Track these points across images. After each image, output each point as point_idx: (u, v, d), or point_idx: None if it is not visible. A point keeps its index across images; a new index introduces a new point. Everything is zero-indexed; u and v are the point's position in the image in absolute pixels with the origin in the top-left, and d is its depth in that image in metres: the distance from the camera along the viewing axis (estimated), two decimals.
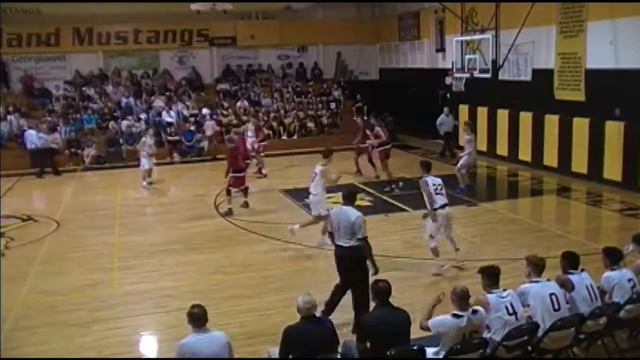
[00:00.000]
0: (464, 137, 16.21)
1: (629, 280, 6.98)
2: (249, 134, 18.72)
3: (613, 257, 7.15)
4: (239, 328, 7.96)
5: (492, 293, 6.29)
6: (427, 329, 6.07)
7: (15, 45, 25.26)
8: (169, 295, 9.43)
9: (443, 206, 9.84)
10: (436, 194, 9.83)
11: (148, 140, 17.85)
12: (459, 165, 15.50)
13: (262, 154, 19.25)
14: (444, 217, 9.87)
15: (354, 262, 7.87)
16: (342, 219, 7.82)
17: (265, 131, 19.97)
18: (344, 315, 8.04)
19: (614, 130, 15.42)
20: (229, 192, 14.61)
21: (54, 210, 15.39)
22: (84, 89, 25.57)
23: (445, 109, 20.84)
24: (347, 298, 8.90)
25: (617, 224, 13.19)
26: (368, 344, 5.95)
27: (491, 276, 6.45)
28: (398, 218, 13.64)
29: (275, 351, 5.99)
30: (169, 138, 23.21)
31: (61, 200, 16.67)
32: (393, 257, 10.89)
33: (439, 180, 10.07)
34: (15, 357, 7.67)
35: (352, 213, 7.86)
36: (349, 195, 8.20)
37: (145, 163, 17.65)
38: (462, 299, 5.95)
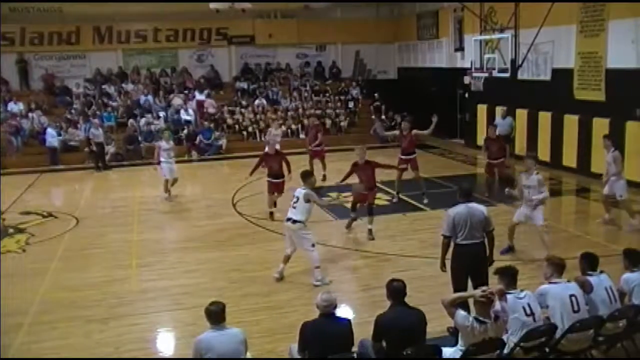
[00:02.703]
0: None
1: None
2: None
3: (633, 259, 7.09)
4: (255, 326, 7.98)
5: (509, 293, 6.27)
6: (450, 313, 6.00)
7: (37, 44, 25.57)
8: (186, 292, 9.48)
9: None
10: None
11: (163, 144, 15.85)
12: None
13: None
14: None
15: (484, 259, 7.74)
16: (473, 216, 7.60)
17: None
18: (360, 314, 8.03)
19: (634, 131, 15.26)
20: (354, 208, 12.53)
21: (74, 207, 15.54)
22: (103, 87, 25.81)
23: (502, 110, 18.99)
24: (367, 295, 8.93)
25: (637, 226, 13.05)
26: (384, 343, 5.96)
27: (509, 277, 6.43)
28: (415, 217, 13.61)
29: (295, 348, 6.03)
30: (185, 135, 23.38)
31: (81, 198, 16.82)
32: (410, 256, 10.88)
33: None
34: (15, 357, 7.72)
35: (481, 208, 7.79)
36: (469, 191, 8.04)
37: (166, 171, 15.80)
38: (485, 304, 5.88)
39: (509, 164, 16.18)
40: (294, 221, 9.57)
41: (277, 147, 14.49)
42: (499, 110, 19.09)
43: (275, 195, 13.79)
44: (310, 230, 9.87)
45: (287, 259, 9.89)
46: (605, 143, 12.75)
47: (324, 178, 16.95)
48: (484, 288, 6.08)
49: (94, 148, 21.09)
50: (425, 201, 14.58)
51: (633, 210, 12.57)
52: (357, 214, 12.47)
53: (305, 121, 24.71)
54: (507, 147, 15.80)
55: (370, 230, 12.04)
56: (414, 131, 14.90)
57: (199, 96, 25.52)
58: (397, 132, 15.19)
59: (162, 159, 15.70)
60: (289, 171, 13.75)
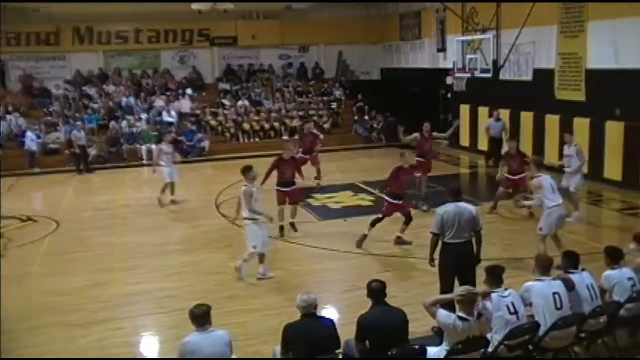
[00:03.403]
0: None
1: (629, 279, 7.01)
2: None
3: (613, 256, 7.18)
4: (239, 328, 7.94)
5: (494, 292, 6.33)
6: (431, 314, 6.06)
7: (14, 44, 25.14)
8: (170, 295, 9.42)
9: None
10: None
11: (164, 147, 15.33)
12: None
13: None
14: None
15: (471, 257, 7.78)
16: (462, 214, 7.64)
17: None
18: (346, 314, 8.02)
19: (614, 130, 15.42)
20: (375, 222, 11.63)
21: (54, 210, 15.39)
22: (84, 88, 25.56)
23: (495, 113, 18.57)
24: (351, 296, 8.93)
25: (617, 224, 13.23)
26: (367, 343, 5.97)
27: (494, 275, 6.51)
28: (399, 218, 13.60)
29: (279, 350, 6.02)
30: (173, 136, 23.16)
31: (61, 201, 16.67)
32: (394, 256, 10.91)
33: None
34: (15, 357, 7.67)
35: (470, 207, 7.86)
36: (458, 191, 8.09)
37: (166, 174, 15.18)
38: (467, 303, 5.91)
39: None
40: (243, 218, 9.81)
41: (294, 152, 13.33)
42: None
43: (286, 206, 12.58)
44: (257, 228, 9.84)
45: (261, 258, 9.98)
46: (567, 138, 13.32)
47: (318, 185, 16.86)
48: (461, 288, 6.14)
49: (77, 150, 20.91)
50: (425, 208, 13.86)
51: (578, 202, 12.93)
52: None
53: (288, 122, 24.81)
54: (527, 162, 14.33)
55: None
56: (434, 133, 14.94)
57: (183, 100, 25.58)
58: (417, 135, 14.80)
59: (162, 163, 15.18)
60: (302, 177, 13.08)
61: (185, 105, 25.22)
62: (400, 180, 11.35)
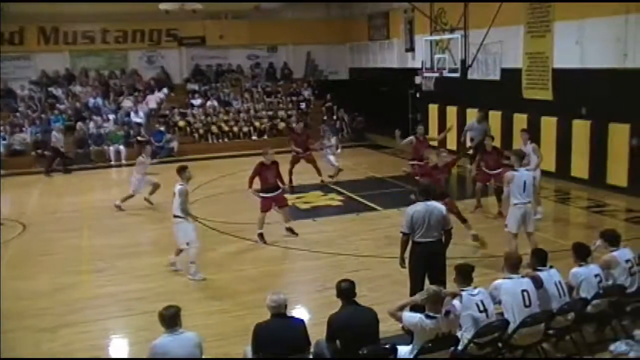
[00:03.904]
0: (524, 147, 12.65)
1: (596, 275, 7.12)
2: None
3: (581, 253, 7.28)
4: (210, 329, 7.87)
5: (464, 290, 6.38)
6: (397, 319, 6.11)
7: None
8: (138, 297, 9.32)
9: None
10: None
11: (145, 159, 15.08)
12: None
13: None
14: None
15: (442, 257, 7.78)
16: (432, 214, 7.61)
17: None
18: (316, 314, 8.00)
19: (580, 129, 15.66)
20: None
21: (20, 213, 15.12)
22: (50, 89, 25.18)
23: (478, 114, 16.62)
24: (322, 296, 8.93)
25: (584, 221, 13.40)
26: (338, 343, 5.97)
27: (464, 274, 6.55)
28: (368, 217, 13.67)
29: (249, 350, 5.98)
30: (138, 138, 22.87)
31: (27, 203, 16.39)
32: (364, 256, 10.93)
33: None
34: (15, 357, 7.56)
35: (440, 206, 7.85)
36: (430, 190, 8.05)
37: (137, 186, 14.88)
38: (434, 302, 5.93)
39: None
40: (175, 216, 10.01)
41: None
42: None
43: (272, 211, 12.31)
44: (189, 226, 10.05)
45: (178, 252, 10.27)
46: (522, 136, 13.30)
47: (331, 177, 17.17)
48: (424, 289, 6.19)
49: (49, 152, 20.59)
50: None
51: (539, 201, 12.85)
52: None
53: (258, 125, 24.74)
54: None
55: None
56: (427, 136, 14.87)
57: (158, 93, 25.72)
58: (412, 138, 14.76)
59: (138, 175, 14.93)
60: (283, 182, 12.70)
61: (152, 100, 25.18)
62: (439, 178, 10.87)
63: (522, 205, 9.81)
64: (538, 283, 6.76)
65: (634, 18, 14.08)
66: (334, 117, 26.09)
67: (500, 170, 12.93)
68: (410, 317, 5.97)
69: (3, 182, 19.45)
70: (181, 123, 24.65)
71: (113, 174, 20.61)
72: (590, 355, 6.93)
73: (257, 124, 25.13)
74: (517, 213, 9.81)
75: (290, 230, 12.33)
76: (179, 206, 9.92)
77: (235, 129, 24.76)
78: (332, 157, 17.56)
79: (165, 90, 25.85)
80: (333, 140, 18.02)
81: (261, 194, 12.09)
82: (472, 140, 16.49)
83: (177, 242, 10.21)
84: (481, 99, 19.18)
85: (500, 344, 6.43)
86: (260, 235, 11.99)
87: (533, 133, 16.85)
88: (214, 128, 24.59)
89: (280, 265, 10.95)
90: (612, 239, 7.61)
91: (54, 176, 20.21)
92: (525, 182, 9.80)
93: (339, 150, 17.76)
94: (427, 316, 5.86)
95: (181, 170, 10.32)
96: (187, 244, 10.01)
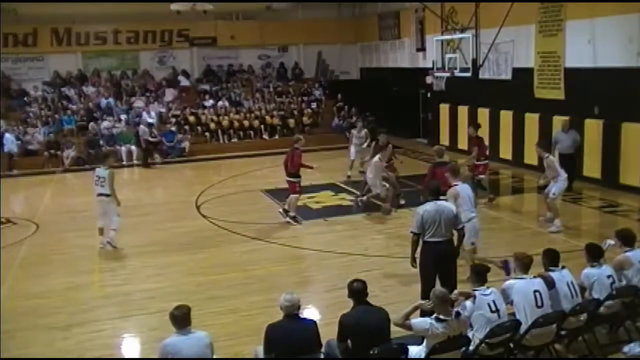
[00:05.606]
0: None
1: (608, 276, 7.06)
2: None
3: (593, 254, 7.22)
4: (220, 329, 7.89)
5: (476, 290, 6.35)
6: (407, 327, 6.06)
7: None
8: (150, 297, 9.36)
9: None
10: None
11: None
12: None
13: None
14: None
15: (452, 256, 7.79)
16: (444, 213, 7.59)
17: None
18: (327, 315, 8.00)
19: (593, 128, 15.56)
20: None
21: (34, 212, 15.23)
22: (62, 89, 25.37)
23: (564, 122, 15.30)
24: (333, 296, 8.92)
25: (597, 221, 13.34)
26: (349, 343, 5.96)
27: (479, 274, 6.53)
28: (379, 217, 13.65)
29: (261, 350, 5.99)
30: (150, 139, 22.91)
31: (41, 203, 16.49)
32: (375, 256, 10.91)
33: None
34: (16, 357, 7.60)
35: (451, 205, 7.86)
36: (439, 189, 8.05)
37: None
38: (443, 302, 5.92)
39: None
40: (107, 195, 11.71)
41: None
42: (563, 122, 15.48)
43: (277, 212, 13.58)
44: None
45: (101, 231, 11.90)
46: (537, 151, 12.74)
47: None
48: (430, 299, 6.10)
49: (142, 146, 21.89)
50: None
51: (558, 211, 12.27)
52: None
53: (269, 120, 24.77)
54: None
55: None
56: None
57: (184, 82, 26.46)
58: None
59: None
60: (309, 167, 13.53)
61: (169, 94, 25.65)
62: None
63: (475, 219, 9.30)
64: (550, 283, 6.72)
65: None
66: (352, 116, 25.75)
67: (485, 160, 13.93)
68: (420, 323, 5.94)
69: (16, 182, 19.65)
70: (191, 118, 24.75)
71: (125, 174, 20.66)
72: (603, 356, 6.90)
73: (268, 122, 25.12)
74: (474, 226, 9.30)
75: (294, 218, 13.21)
76: (109, 187, 11.67)
77: (246, 122, 24.80)
78: (353, 149, 17.70)
79: (184, 80, 26.30)
80: (362, 133, 17.99)
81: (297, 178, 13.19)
82: (563, 156, 14.58)
83: (110, 216, 11.87)
84: (492, 99, 19.17)
85: (511, 345, 6.41)
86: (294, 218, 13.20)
87: (545, 133, 16.92)
88: (225, 122, 24.62)
89: (290, 265, 10.96)
90: (627, 239, 7.52)
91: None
92: (469, 195, 9.20)
93: (365, 145, 17.55)
94: (438, 319, 5.84)
95: (106, 157, 12.82)
96: (117, 215, 11.94)
